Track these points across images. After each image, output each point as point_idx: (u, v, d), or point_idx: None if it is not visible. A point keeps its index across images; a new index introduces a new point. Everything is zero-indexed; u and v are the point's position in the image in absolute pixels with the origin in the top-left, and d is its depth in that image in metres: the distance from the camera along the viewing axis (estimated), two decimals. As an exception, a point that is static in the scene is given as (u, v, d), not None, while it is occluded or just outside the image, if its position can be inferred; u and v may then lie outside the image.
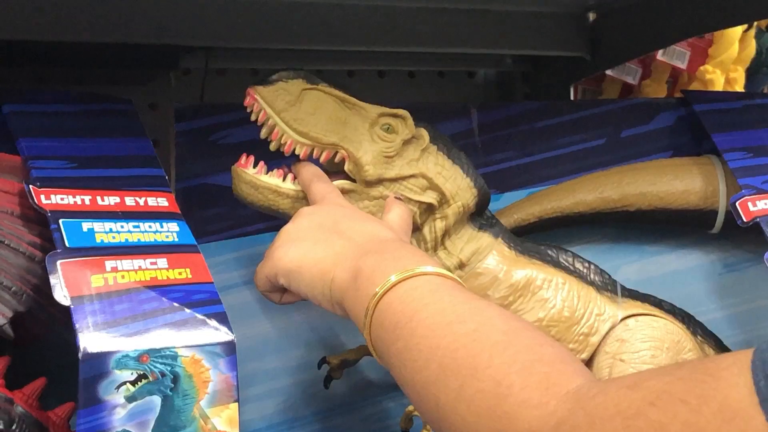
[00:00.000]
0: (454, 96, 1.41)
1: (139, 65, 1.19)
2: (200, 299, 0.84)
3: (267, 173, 0.94)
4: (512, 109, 1.21)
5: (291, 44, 1.18)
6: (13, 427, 0.81)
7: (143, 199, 0.91)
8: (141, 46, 1.09)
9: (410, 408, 0.99)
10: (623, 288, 1.04)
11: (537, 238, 1.07)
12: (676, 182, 1.15)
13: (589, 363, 1.00)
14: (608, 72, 1.50)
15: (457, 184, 0.98)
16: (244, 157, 0.95)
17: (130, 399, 0.79)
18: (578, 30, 1.31)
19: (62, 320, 0.81)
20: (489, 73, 1.46)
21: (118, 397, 0.78)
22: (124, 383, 0.78)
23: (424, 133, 0.97)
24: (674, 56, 1.47)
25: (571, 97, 1.43)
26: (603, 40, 1.30)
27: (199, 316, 0.82)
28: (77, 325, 0.78)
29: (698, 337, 1.04)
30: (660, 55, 1.46)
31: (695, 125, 1.22)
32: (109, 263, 0.84)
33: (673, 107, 1.24)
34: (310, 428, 1.05)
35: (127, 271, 0.84)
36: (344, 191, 0.95)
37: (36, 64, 1.10)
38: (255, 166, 0.94)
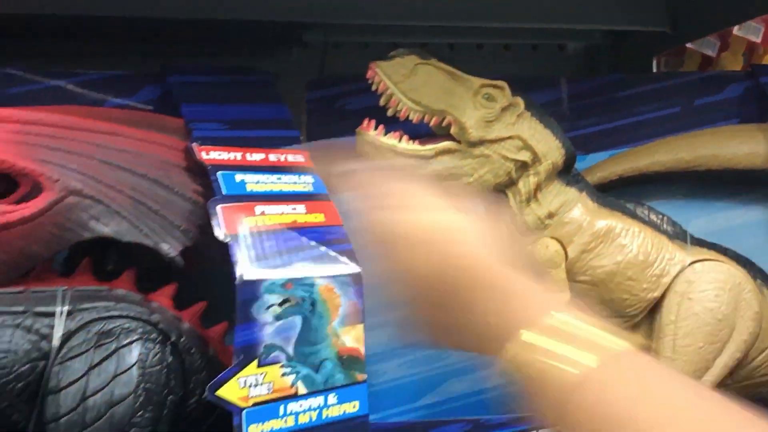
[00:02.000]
0: (545, 68, 1.54)
1: (267, 40, 1.35)
2: (332, 239, 1.00)
3: (385, 135, 1.11)
4: (598, 80, 1.35)
5: (398, 20, 1.33)
6: (182, 340, 0.99)
7: (283, 156, 1.08)
8: (268, 23, 1.25)
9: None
10: (692, 237, 1.18)
11: (617, 194, 1.22)
12: (742, 146, 1.27)
13: (660, 301, 1.15)
14: (689, 45, 1.60)
15: (548, 145, 1.13)
16: (366, 122, 1.11)
17: (276, 318, 0.96)
18: (661, 6, 1.40)
19: (220, 255, 0.98)
20: (578, 46, 1.58)
21: (267, 317, 0.95)
22: (272, 305, 0.95)
23: (520, 101, 1.13)
24: (750, 31, 1.57)
25: (654, 69, 1.55)
26: (684, 15, 1.39)
27: (332, 253, 0.99)
28: (234, 258, 0.95)
29: (758, 280, 1.18)
30: (736, 30, 1.57)
31: (761, 96, 1.34)
32: (258, 208, 1.00)
33: (742, 79, 1.36)
34: (420, 353, 1.21)
35: (273, 215, 1.01)
36: (450, 151, 1.11)
37: (185, 39, 1.28)
38: (375, 129, 1.11)
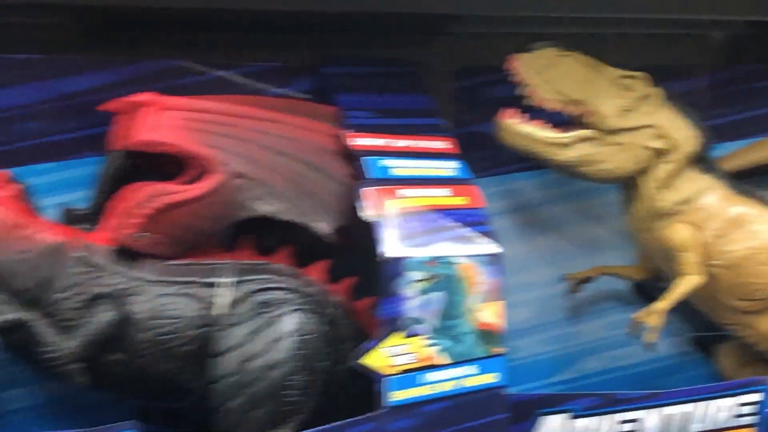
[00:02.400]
0: (687, 58, 1.56)
1: (414, 32, 1.42)
2: (474, 221, 1.07)
3: (525, 123, 1.17)
4: (737, 70, 1.38)
5: (542, 11, 1.37)
6: (334, 311, 1.07)
7: (428, 142, 1.15)
8: (416, 16, 1.31)
9: (635, 314, 1.19)
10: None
11: (753, 183, 1.25)
12: None
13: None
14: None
15: (684, 134, 1.17)
16: (507, 110, 1.17)
17: (420, 293, 1.03)
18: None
19: (367, 234, 1.06)
20: (721, 36, 1.59)
21: (410, 291, 1.03)
22: (416, 281, 1.03)
23: (657, 91, 1.17)
24: None
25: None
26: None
27: (474, 233, 1.06)
28: (380, 237, 1.03)
29: None
30: None
31: None
32: (401, 191, 1.08)
33: None
34: (557, 331, 1.28)
35: (416, 197, 1.08)
36: (587, 138, 1.16)
37: (337, 32, 1.36)
38: (516, 117, 1.17)
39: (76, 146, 1.12)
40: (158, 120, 1.03)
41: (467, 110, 1.28)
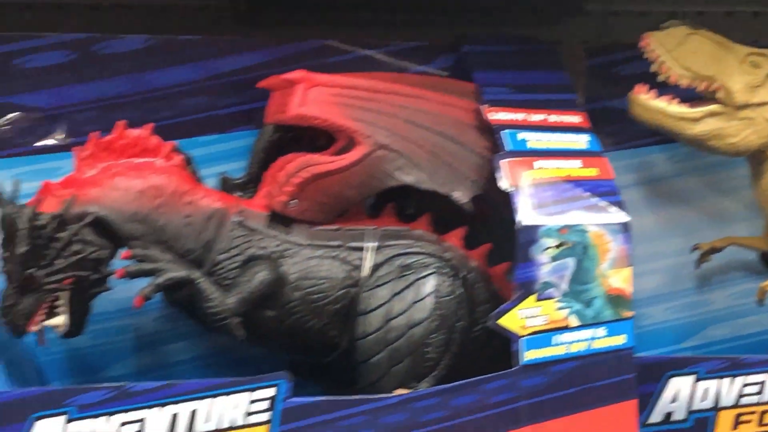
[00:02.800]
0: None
1: (550, 10, 1.47)
2: (604, 191, 1.12)
3: (657, 98, 1.21)
4: None
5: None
6: (470, 275, 1.14)
7: (562, 117, 1.20)
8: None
9: (763, 283, 1.23)
10: None
11: None
12: None
13: None
14: None
15: None
16: (639, 86, 1.22)
17: (552, 259, 1.09)
18: None
19: (503, 203, 1.12)
20: None
21: (544, 257, 1.09)
22: (548, 248, 1.09)
23: (787, 68, 1.21)
24: None
25: None
26: None
27: (604, 203, 1.11)
28: (516, 206, 1.09)
29: None
30: None
31: None
32: (537, 163, 1.13)
33: None
34: (685, 299, 1.32)
35: (550, 168, 1.14)
36: (716, 113, 1.20)
37: (475, 11, 1.42)
38: (647, 93, 1.21)
39: (233, 120, 1.21)
40: (310, 96, 1.11)
41: (600, 86, 1.32)
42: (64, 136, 1.17)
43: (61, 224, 1.02)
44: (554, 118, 1.20)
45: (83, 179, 1.06)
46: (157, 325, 1.20)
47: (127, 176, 1.06)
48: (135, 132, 1.09)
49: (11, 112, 1.16)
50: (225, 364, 1.22)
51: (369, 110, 1.12)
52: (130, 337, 1.19)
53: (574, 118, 1.20)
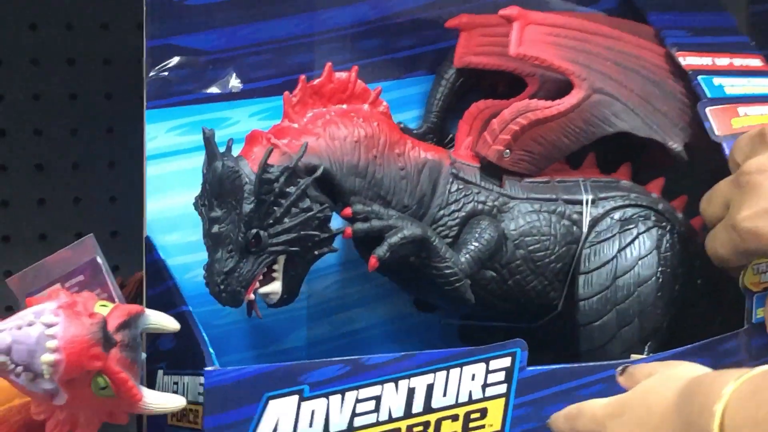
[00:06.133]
0: None
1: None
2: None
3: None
4: None
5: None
6: (682, 229, 1.06)
7: (744, 60, 1.14)
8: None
9: None
10: None
11: None
12: None
13: None
14: None
15: None
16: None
17: (773, 210, 1.03)
18: None
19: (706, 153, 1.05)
20: None
21: (765, 208, 1.02)
22: (769, 198, 1.02)
23: None
24: None
25: None
26: None
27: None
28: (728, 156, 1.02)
29: None
30: None
31: None
32: (741, 110, 1.07)
33: None
34: None
35: (756, 115, 1.07)
36: None
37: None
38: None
39: (410, 64, 1.10)
40: (526, 35, 1.01)
41: (763, 33, 1.27)
42: (232, 82, 1.04)
43: (291, 178, 0.90)
44: (738, 61, 1.13)
45: (297, 128, 0.94)
46: (328, 292, 1.08)
47: (341, 125, 0.95)
48: (343, 76, 0.97)
49: (172, 56, 1.02)
50: (397, 332, 1.11)
51: (581, 51, 1.03)
52: (301, 306, 1.07)
53: (756, 62, 1.15)
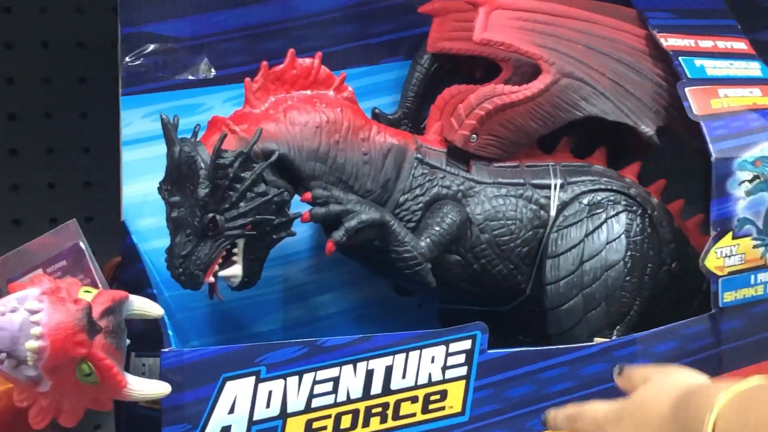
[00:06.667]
0: None
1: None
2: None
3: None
4: None
5: None
6: (655, 213, 1.05)
7: (729, 43, 1.12)
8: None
9: None
10: None
11: None
12: None
13: None
14: None
15: None
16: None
17: (747, 193, 1.02)
18: None
19: (687, 134, 1.04)
20: None
21: (739, 192, 1.01)
22: (743, 181, 1.02)
23: None
24: None
25: None
26: None
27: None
28: (707, 137, 1.01)
29: None
30: None
31: None
32: (721, 91, 1.06)
33: None
34: None
35: (734, 97, 1.06)
36: None
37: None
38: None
39: (385, 50, 1.11)
40: (492, 20, 1.01)
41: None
42: (205, 68, 1.05)
43: (245, 163, 0.91)
44: (722, 44, 1.12)
45: (257, 114, 0.95)
46: (304, 276, 1.09)
47: (302, 110, 0.96)
48: (306, 62, 0.98)
49: (147, 43, 1.04)
50: (374, 316, 1.12)
51: (550, 35, 1.03)
52: (277, 289, 1.08)
53: (741, 45, 1.13)
